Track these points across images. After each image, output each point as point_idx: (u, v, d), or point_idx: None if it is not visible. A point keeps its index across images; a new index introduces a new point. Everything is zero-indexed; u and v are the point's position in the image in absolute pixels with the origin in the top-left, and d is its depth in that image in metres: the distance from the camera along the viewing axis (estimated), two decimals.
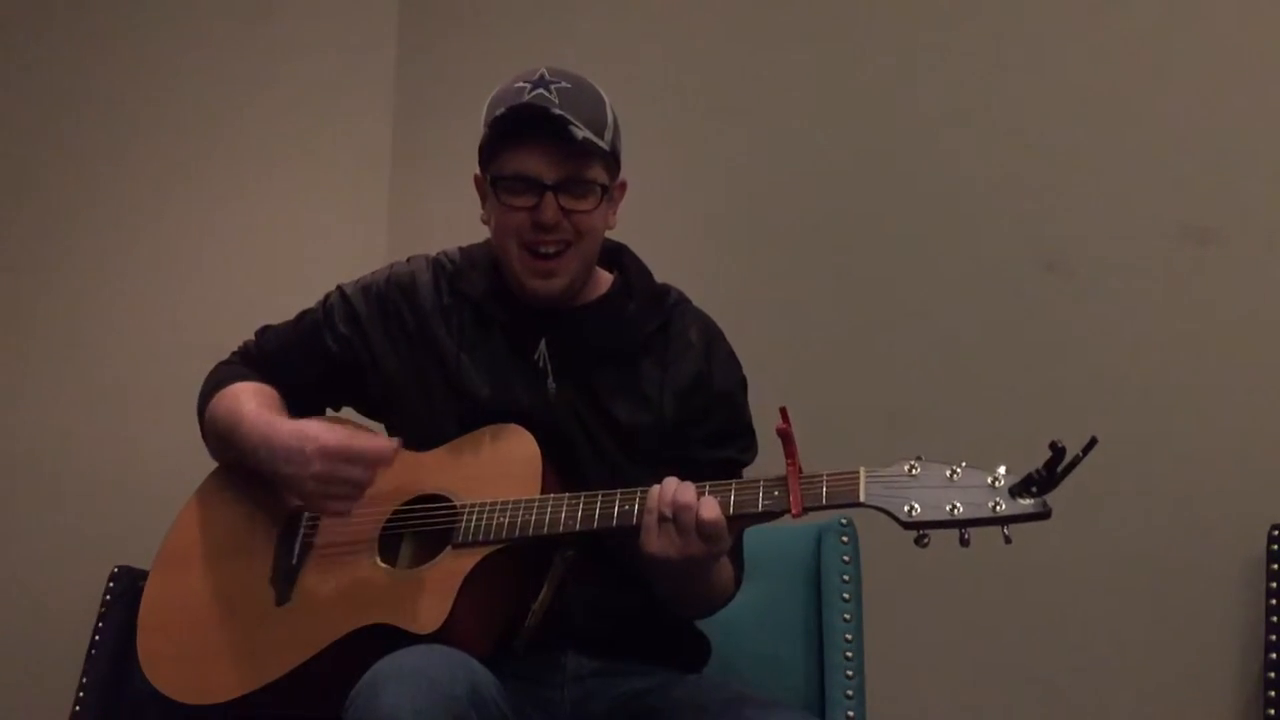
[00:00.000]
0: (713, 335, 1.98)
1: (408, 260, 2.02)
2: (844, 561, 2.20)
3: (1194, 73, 2.60)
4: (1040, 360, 2.63)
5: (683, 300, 2.00)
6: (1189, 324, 2.54)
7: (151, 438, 2.97)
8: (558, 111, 1.80)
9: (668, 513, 1.63)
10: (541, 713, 1.79)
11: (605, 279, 1.98)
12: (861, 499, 1.59)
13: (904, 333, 2.78)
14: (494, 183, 1.86)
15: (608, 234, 1.96)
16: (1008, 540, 1.55)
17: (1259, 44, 2.56)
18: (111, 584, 2.77)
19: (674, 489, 1.65)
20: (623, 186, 1.95)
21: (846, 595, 2.17)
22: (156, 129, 3.15)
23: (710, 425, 1.91)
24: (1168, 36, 2.64)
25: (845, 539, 2.21)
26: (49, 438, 2.96)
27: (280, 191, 3.26)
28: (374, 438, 1.81)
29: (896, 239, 2.82)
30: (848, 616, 2.15)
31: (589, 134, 1.81)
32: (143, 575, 2.73)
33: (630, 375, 1.90)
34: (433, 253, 2.02)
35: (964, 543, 1.56)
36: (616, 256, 2.00)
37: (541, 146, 1.81)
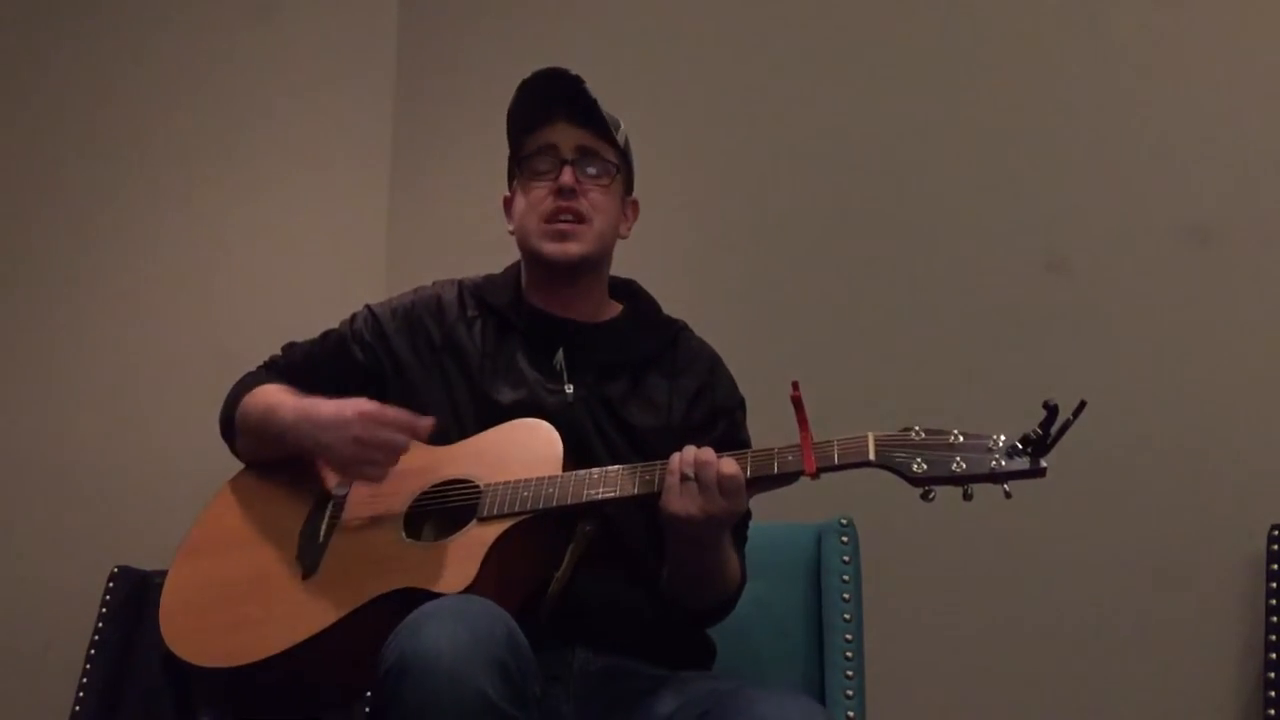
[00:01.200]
0: (714, 358, 2.09)
1: (433, 284, 2.12)
2: (844, 561, 2.21)
3: (1195, 72, 2.61)
4: (1040, 360, 2.63)
5: (687, 329, 2.11)
6: (1189, 324, 2.54)
7: (152, 438, 2.97)
8: (575, 73, 1.96)
9: (689, 471, 1.72)
10: (548, 705, 1.79)
11: (616, 308, 2.09)
12: (871, 458, 1.68)
13: (905, 334, 2.77)
14: (520, 164, 2.02)
15: (621, 261, 2.08)
16: (1008, 495, 1.63)
17: (1260, 44, 2.57)
18: (111, 584, 2.77)
19: (694, 450, 1.74)
20: (635, 205, 2.09)
21: (846, 595, 2.17)
22: (155, 131, 3.16)
23: (714, 435, 1.97)
24: (1169, 36, 2.64)
25: (845, 538, 2.22)
26: (50, 438, 2.96)
27: (280, 192, 3.26)
28: (404, 413, 1.87)
29: (897, 240, 2.82)
30: (848, 616, 2.16)
31: (601, 104, 1.97)
32: (143, 575, 2.75)
33: (641, 384, 2.00)
34: (457, 277, 2.13)
35: (967, 497, 1.65)
36: (627, 289, 2.12)
37: (561, 120, 1.99)
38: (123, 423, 3.00)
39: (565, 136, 1.99)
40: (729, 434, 1.99)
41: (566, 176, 1.96)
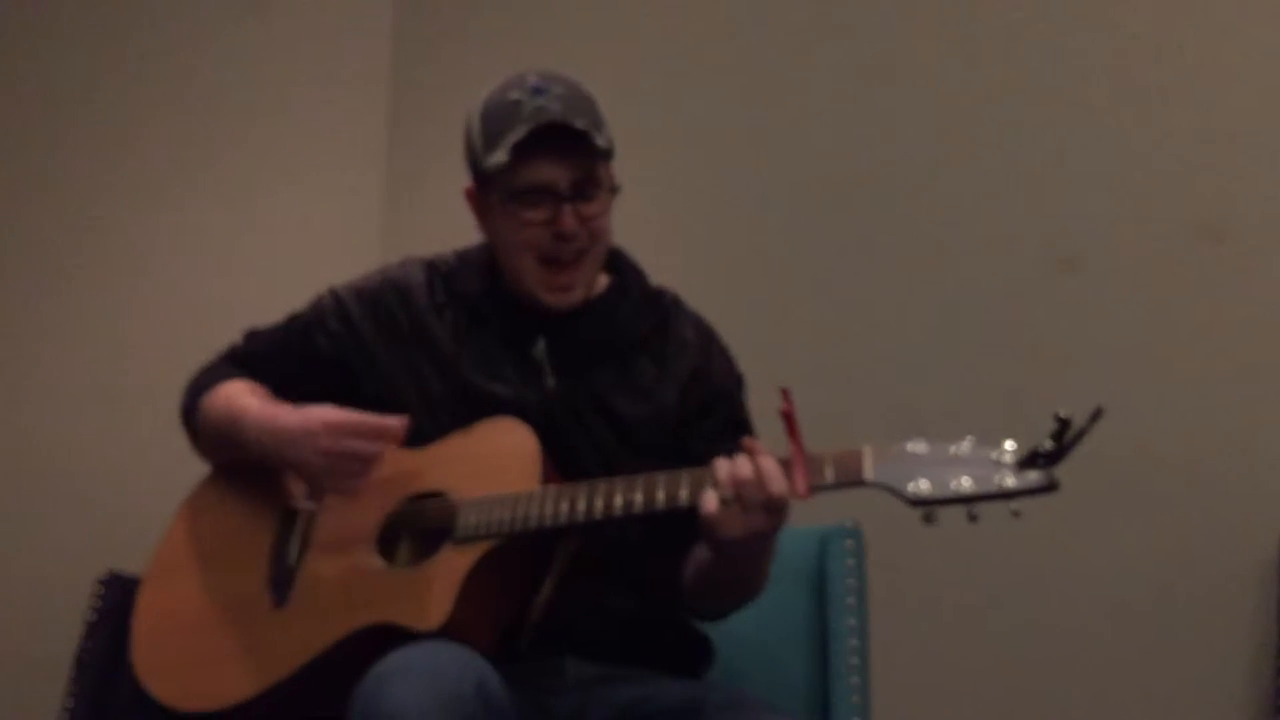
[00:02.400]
0: (708, 334, 2.00)
1: (401, 263, 2.02)
2: (849, 566, 2.18)
3: (1208, 70, 2.59)
4: (1052, 359, 2.61)
5: (678, 301, 2.02)
6: (1202, 324, 2.53)
7: (145, 441, 2.94)
8: (581, 125, 1.80)
9: (729, 494, 1.61)
10: (543, 718, 1.77)
11: (600, 280, 1.99)
12: (867, 477, 1.58)
13: (916, 331, 2.76)
14: (509, 197, 1.85)
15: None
16: (1015, 515, 1.54)
17: (1273, 41, 2.55)
18: (102, 589, 2.75)
19: (730, 467, 1.62)
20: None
21: (852, 601, 2.15)
22: (150, 129, 3.14)
23: (710, 420, 1.91)
24: (1182, 33, 2.62)
25: (851, 543, 2.19)
26: (39, 441, 2.94)
27: (275, 191, 3.24)
28: (380, 415, 1.80)
29: (908, 238, 2.80)
30: (853, 622, 2.13)
31: (599, 141, 1.82)
32: (133, 581, 2.72)
33: (629, 371, 1.91)
34: (427, 255, 2.03)
35: (972, 518, 1.55)
36: (611, 259, 2.01)
37: (558, 156, 1.81)
38: (114, 425, 2.98)
39: (558, 174, 1.82)
40: (726, 419, 1.91)
41: (568, 222, 1.82)
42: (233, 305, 3.03)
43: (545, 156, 1.81)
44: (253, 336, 2.04)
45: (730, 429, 1.89)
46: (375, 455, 1.77)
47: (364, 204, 3.34)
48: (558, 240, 1.83)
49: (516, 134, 1.80)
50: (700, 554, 1.78)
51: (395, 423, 1.77)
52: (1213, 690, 2.43)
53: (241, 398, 1.91)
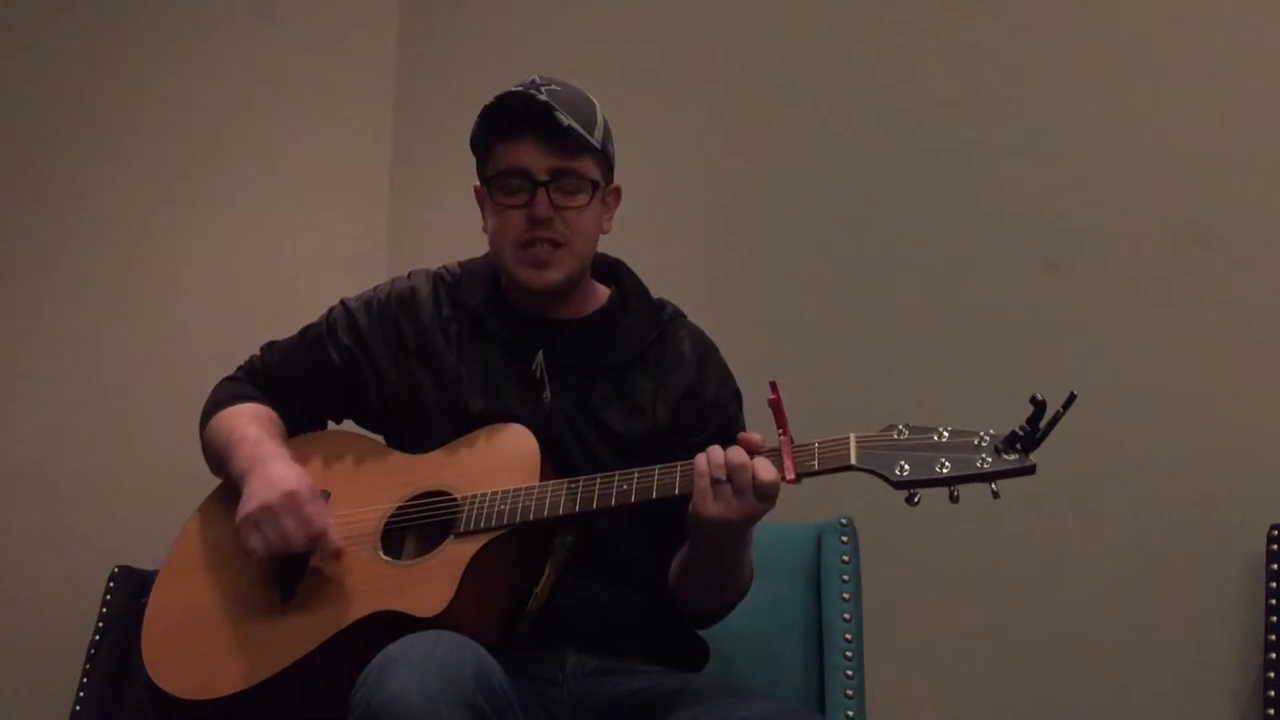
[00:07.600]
0: (706, 349, 2.01)
1: (409, 275, 2.05)
2: (844, 561, 2.20)
3: (1195, 72, 2.60)
4: (1040, 359, 2.62)
5: (678, 314, 2.03)
6: (1188, 323, 2.54)
7: (151, 438, 2.96)
8: (543, 98, 1.84)
9: (721, 475, 1.66)
10: (542, 709, 1.80)
11: (602, 293, 2.01)
12: (853, 462, 1.63)
13: (904, 332, 2.77)
14: (489, 183, 1.90)
15: (605, 242, 2.00)
16: (995, 495, 1.58)
17: (1259, 43, 2.56)
18: (111, 584, 2.77)
19: (722, 452, 1.67)
20: (617, 192, 1.99)
21: (846, 595, 2.17)
22: (155, 130, 3.15)
23: (704, 435, 1.91)
24: (1169, 35, 2.64)
25: (845, 538, 2.21)
26: (49, 438, 2.95)
27: (280, 194, 3.25)
28: (331, 522, 1.82)
29: (896, 239, 2.81)
30: (847, 616, 2.15)
31: (574, 124, 1.85)
32: (143, 575, 2.75)
33: (625, 387, 1.93)
34: (434, 267, 2.05)
35: (953, 499, 1.59)
36: (613, 271, 2.04)
37: (531, 139, 1.86)
38: (123, 422, 2.99)
39: (536, 158, 1.86)
40: (722, 431, 1.91)
41: (541, 207, 1.85)
42: (240, 306, 3.07)
43: (523, 141, 1.86)
44: (269, 349, 2.07)
45: (725, 444, 1.89)
46: (294, 542, 1.78)
47: (369, 210, 3.35)
48: (532, 225, 1.86)
49: (493, 107, 1.86)
50: (686, 550, 1.80)
51: (331, 546, 1.79)
52: (1202, 681, 2.44)
53: (246, 424, 1.93)
